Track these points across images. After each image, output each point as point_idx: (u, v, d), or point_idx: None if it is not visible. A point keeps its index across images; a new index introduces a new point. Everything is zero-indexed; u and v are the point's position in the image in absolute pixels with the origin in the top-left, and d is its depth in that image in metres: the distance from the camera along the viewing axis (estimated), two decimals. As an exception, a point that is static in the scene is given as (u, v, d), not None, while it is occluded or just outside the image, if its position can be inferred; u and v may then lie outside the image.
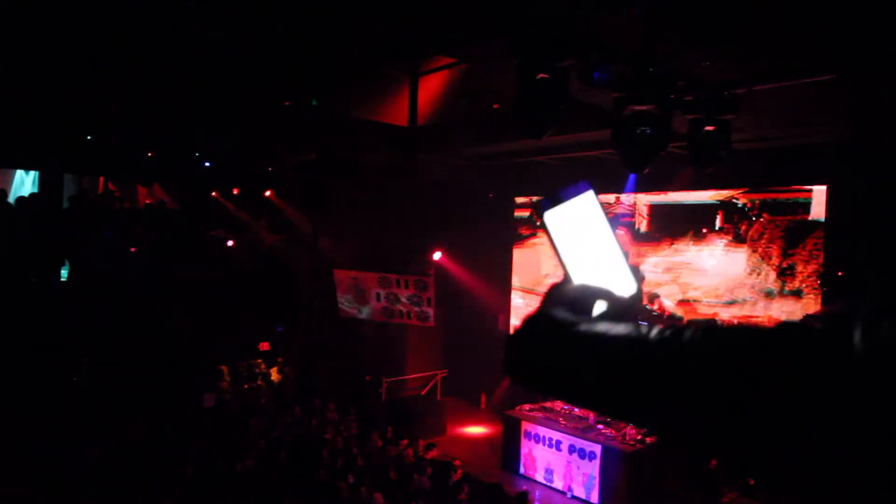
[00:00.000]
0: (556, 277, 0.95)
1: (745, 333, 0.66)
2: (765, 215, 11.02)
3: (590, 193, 0.96)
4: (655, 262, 12.48)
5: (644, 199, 12.90)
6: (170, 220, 14.45)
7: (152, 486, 9.04)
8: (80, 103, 9.73)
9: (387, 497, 9.13)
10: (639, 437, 10.16)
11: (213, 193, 15.49)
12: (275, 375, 15.16)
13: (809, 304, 10.28)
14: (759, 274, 11.02)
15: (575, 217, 0.94)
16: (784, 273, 10.71)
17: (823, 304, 10.14)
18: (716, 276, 11.61)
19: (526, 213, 15.34)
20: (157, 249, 13.62)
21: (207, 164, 14.72)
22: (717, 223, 11.68)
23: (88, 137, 12.00)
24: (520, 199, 15.41)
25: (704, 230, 11.88)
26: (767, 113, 7.44)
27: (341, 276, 14.68)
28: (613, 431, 10.51)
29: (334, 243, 15.14)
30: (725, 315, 11.37)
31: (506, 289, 15.68)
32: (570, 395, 0.81)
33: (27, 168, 14.93)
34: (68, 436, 10.36)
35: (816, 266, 10.34)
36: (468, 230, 15.19)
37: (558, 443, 11.00)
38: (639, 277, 0.97)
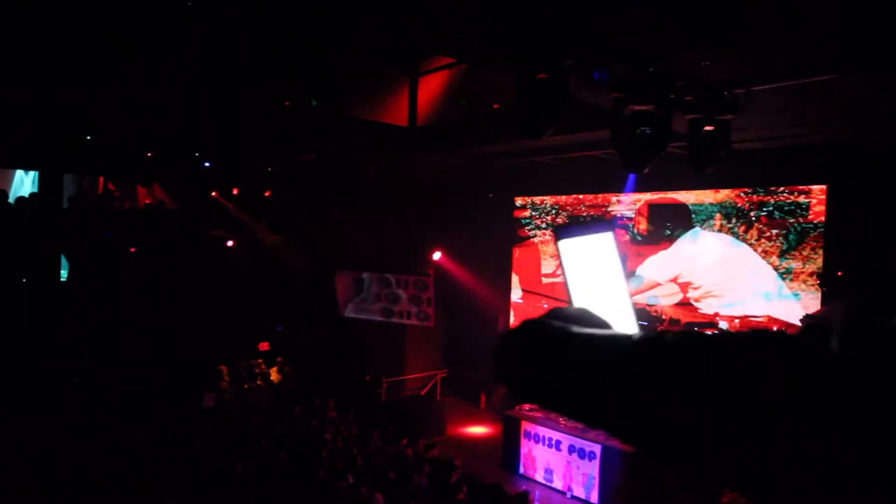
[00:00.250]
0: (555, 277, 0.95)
1: (723, 339, 0.66)
2: (763, 218, 11.02)
3: (609, 234, 0.97)
4: (655, 263, 12.48)
5: (644, 199, 12.89)
6: (170, 220, 14.46)
7: (152, 486, 9.04)
8: (80, 103, 9.73)
9: (387, 497, 9.13)
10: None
11: (213, 193, 15.49)
12: (275, 375, 15.16)
13: (809, 305, 10.28)
14: (758, 274, 11.02)
15: (589, 252, 0.95)
16: (784, 273, 10.71)
17: (823, 304, 10.15)
18: (715, 277, 11.60)
19: (526, 214, 15.33)
20: (157, 249, 13.62)
21: (207, 164, 14.72)
22: (717, 223, 11.68)
23: (88, 137, 12.00)
24: (519, 200, 15.41)
25: (704, 230, 11.88)
26: (767, 113, 7.44)
27: (341, 276, 14.69)
28: (613, 431, 10.50)
29: (334, 243, 15.14)
30: (725, 315, 11.37)
31: (506, 289, 15.68)
32: (558, 405, 0.81)
33: (27, 168, 14.93)
34: (68, 436, 10.36)
35: (816, 266, 10.34)
36: (468, 230, 15.20)
37: (558, 443, 11.00)
38: (643, 288, 0.98)
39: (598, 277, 0.96)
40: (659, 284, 12.37)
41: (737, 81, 6.12)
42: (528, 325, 0.86)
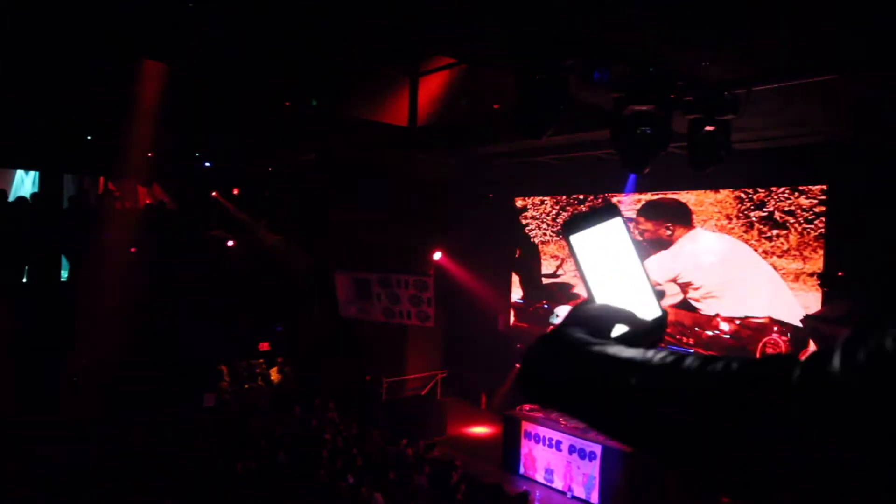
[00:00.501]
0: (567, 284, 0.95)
1: (738, 367, 0.67)
2: (763, 218, 11.02)
3: (618, 219, 0.96)
4: (655, 263, 12.47)
5: (644, 199, 12.89)
6: (169, 220, 14.45)
7: (152, 486, 9.04)
8: (80, 103, 9.73)
9: (387, 497, 9.13)
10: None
11: (213, 193, 15.49)
12: (275, 375, 15.16)
13: (809, 305, 10.28)
14: (758, 274, 11.02)
15: (601, 240, 0.95)
16: (784, 273, 10.70)
17: (824, 304, 10.15)
18: (715, 277, 11.60)
19: (526, 213, 15.33)
20: (158, 249, 13.62)
21: (207, 164, 14.72)
22: (717, 223, 11.67)
23: (88, 137, 12.01)
24: (519, 200, 15.41)
25: (704, 230, 11.87)
26: (767, 113, 7.44)
27: (342, 276, 14.69)
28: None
29: (334, 243, 15.14)
30: (725, 316, 11.37)
31: (506, 289, 15.68)
32: (581, 416, 0.83)
33: (27, 168, 14.93)
34: (68, 436, 10.36)
35: (816, 266, 10.34)
36: (468, 230, 15.20)
37: (558, 443, 11.00)
38: (663, 303, 0.97)
39: (614, 266, 0.95)
40: (659, 285, 12.35)
41: (737, 81, 6.12)
42: (550, 344, 0.86)
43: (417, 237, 14.56)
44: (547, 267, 14.68)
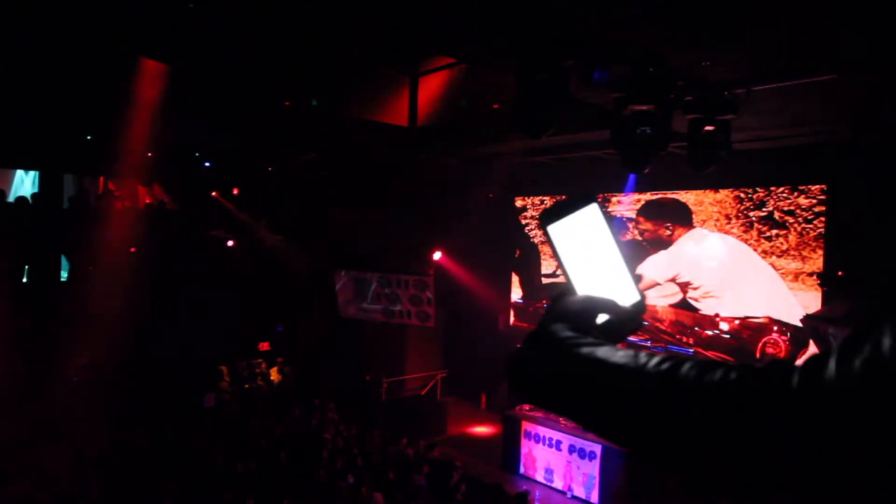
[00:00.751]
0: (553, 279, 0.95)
1: (737, 377, 0.67)
2: (762, 218, 11.02)
3: (594, 205, 0.96)
4: (655, 262, 12.48)
5: (644, 199, 12.89)
6: (170, 220, 14.45)
7: (152, 486, 9.04)
8: (80, 103, 9.73)
9: (387, 497, 9.13)
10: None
11: (214, 193, 15.49)
12: (275, 375, 15.16)
13: (809, 305, 10.28)
14: (758, 274, 11.02)
15: (579, 228, 0.94)
16: (783, 273, 10.70)
17: (824, 304, 10.15)
18: (715, 277, 11.60)
19: (525, 213, 15.33)
20: (158, 249, 13.62)
21: (207, 164, 14.71)
22: (717, 223, 11.68)
23: (88, 137, 12.00)
24: (519, 200, 15.41)
25: (704, 230, 11.88)
26: (767, 113, 7.44)
27: (342, 276, 14.69)
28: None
29: (334, 243, 15.14)
30: (725, 316, 11.37)
31: (506, 289, 15.68)
32: (571, 416, 0.83)
33: (27, 168, 14.93)
34: (69, 436, 10.36)
35: (816, 266, 10.34)
36: (468, 230, 15.19)
37: (558, 442, 11.01)
38: (641, 287, 0.97)
39: (593, 253, 0.95)
40: (658, 284, 12.37)
41: (737, 81, 6.12)
42: (538, 344, 0.86)
43: (417, 237, 14.56)
44: (547, 267, 14.68)
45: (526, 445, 11.58)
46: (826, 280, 10.09)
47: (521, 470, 11.60)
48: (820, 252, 10.32)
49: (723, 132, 6.41)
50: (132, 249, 13.44)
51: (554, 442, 11.08)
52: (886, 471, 0.55)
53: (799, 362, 0.64)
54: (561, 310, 0.89)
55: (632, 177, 11.99)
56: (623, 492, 10.05)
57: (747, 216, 11.22)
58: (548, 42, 5.08)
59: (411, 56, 11.20)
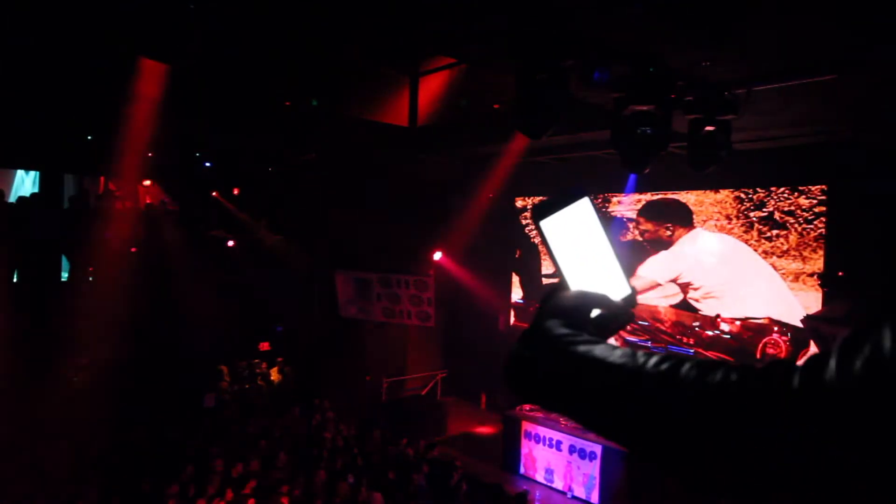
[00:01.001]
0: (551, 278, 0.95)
1: (738, 378, 0.66)
2: (763, 218, 11.02)
3: (585, 199, 0.96)
4: (655, 263, 12.48)
5: (644, 200, 12.89)
6: (170, 220, 14.44)
7: (152, 486, 9.04)
8: (80, 103, 9.73)
9: (386, 497, 9.13)
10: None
11: (214, 193, 15.49)
12: (275, 375, 15.16)
13: (810, 305, 10.28)
14: (759, 275, 11.01)
15: (570, 223, 0.94)
16: (784, 273, 10.70)
17: (824, 304, 10.15)
18: (716, 278, 11.60)
19: (526, 213, 15.32)
20: (158, 249, 13.62)
21: (207, 164, 14.71)
22: (717, 223, 11.67)
23: (88, 137, 12.00)
24: (520, 200, 15.41)
25: (704, 230, 11.87)
26: (767, 113, 7.44)
27: (342, 276, 14.69)
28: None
29: (334, 243, 15.14)
30: (726, 317, 11.37)
31: (506, 289, 15.68)
32: (571, 415, 0.82)
33: (27, 168, 14.93)
34: (69, 436, 10.36)
35: (816, 266, 10.34)
36: (468, 230, 15.19)
37: (558, 443, 11.01)
38: (632, 281, 0.98)
39: (584, 248, 0.95)
40: (659, 285, 12.37)
41: (737, 81, 6.12)
42: (534, 343, 0.85)
43: (417, 237, 14.55)
44: (547, 267, 14.67)
45: (526, 445, 11.58)
46: (826, 280, 10.09)
47: (522, 470, 11.60)
48: (820, 252, 10.32)
49: (723, 132, 6.41)
50: (132, 249, 13.44)
51: (554, 442, 11.07)
52: (886, 471, 0.55)
53: (799, 363, 0.64)
54: (555, 306, 0.89)
55: (632, 177, 11.98)
56: (623, 492, 10.05)
57: (748, 216, 11.22)
58: (548, 42, 5.08)
59: (411, 56, 11.20)
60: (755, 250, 11.08)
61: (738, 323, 11.20)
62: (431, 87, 11.61)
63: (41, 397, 10.91)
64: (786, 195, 10.76)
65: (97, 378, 12.03)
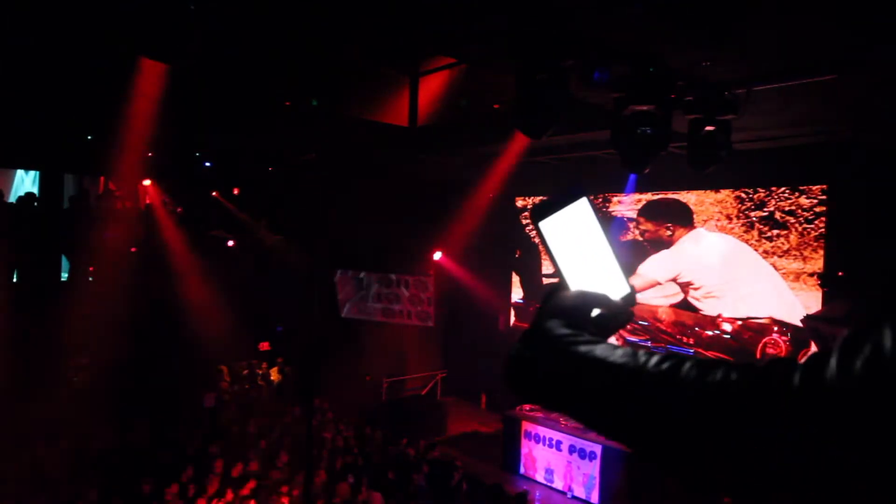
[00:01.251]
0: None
1: (738, 377, 0.66)
2: (763, 218, 11.02)
3: (583, 199, 0.96)
4: (655, 262, 12.48)
5: (644, 199, 12.89)
6: (170, 220, 14.44)
7: (152, 486, 9.04)
8: (80, 103, 9.73)
9: (386, 497, 9.13)
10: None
11: (214, 193, 15.49)
12: (275, 375, 15.15)
13: (810, 305, 10.28)
14: (759, 274, 11.01)
15: (569, 223, 0.94)
16: (784, 273, 10.70)
17: (824, 304, 10.14)
18: (716, 277, 11.60)
19: (526, 213, 15.32)
20: (158, 249, 13.62)
21: (207, 164, 14.71)
22: (718, 223, 11.67)
23: (88, 137, 12.00)
24: (520, 200, 15.41)
25: (704, 230, 11.87)
26: (767, 113, 7.44)
27: (342, 276, 14.68)
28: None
29: (334, 243, 15.14)
30: (728, 317, 11.36)
31: (506, 289, 15.68)
32: (572, 414, 0.82)
33: (27, 168, 14.93)
34: (69, 436, 10.36)
35: (816, 266, 10.34)
36: (468, 230, 15.19)
37: (558, 443, 11.00)
38: (631, 280, 0.98)
39: (583, 247, 0.95)
40: (659, 284, 12.37)
41: (737, 81, 6.12)
42: (535, 343, 0.85)
43: (417, 237, 14.55)
44: (547, 267, 14.67)
45: (526, 445, 11.58)
46: (826, 280, 10.09)
47: (522, 470, 11.60)
48: (821, 252, 10.32)
49: (723, 132, 6.41)
50: (132, 249, 13.44)
51: (554, 442, 11.07)
52: (887, 471, 0.55)
53: (799, 361, 0.64)
54: (555, 306, 0.88)
55: (632, 177, 11.98)
56: (623, 492, 10.04)
57: (748, 216, 11.22)
58: (548, 42, 5.07)
59: (411, 56, 11.20)
60: (756, 250, 11.08)
61: (739, 323, 11.20)
62: (431, 87, 11.61)
63: (41, 397, 10.91)
64: (786, 195, 10.76)
65: (97, 378, 12.03)
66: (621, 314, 0.95)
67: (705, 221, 11.86)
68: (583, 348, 0.80)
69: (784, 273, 10.70)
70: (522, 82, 5.31)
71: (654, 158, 6.15)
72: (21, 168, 15.30)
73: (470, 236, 15.20)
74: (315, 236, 15.34)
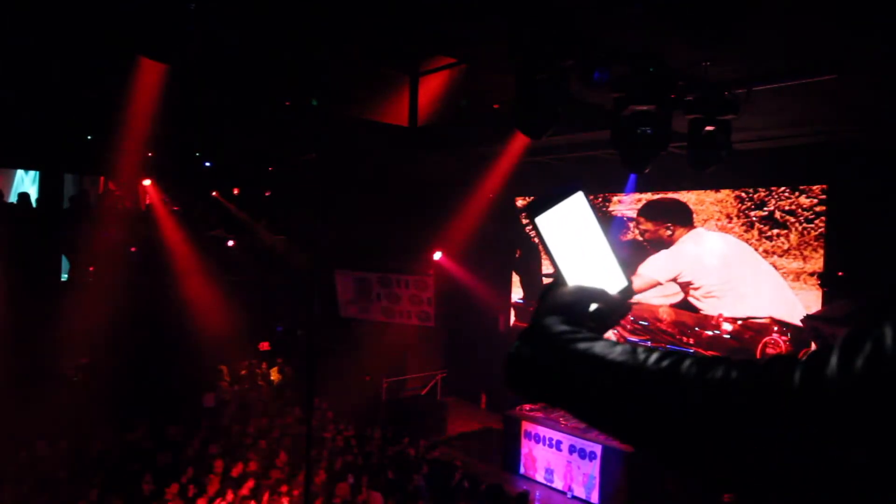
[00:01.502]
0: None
1: (738, 375, 0.66)
2: (763, 218, 11.02)
3: (580, 193, 0.96)
4: (656, 262, 12.47)
5: (644, 199, 12.89)
6: (170, 220, 14.44)
7: (152, 486, 9.04)
8: (80, 103, 9.73)
9: (386, 497, 9.13)
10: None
11: (214, 193, 15.49)
12: (275, 375, 15.15)
13: (810, 304, 10.28)
14: (759, 274, 11.01)
15: (566, 218, 0.94)
16: (784, 273, 10.70)
17: (824, 304, 10.14)
18: (716, 277, 11.60)
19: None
20: (158, 249, 13.62)
21: (207, 164, 14.71)
22: (718, 223, 11.67)
23: (88, 137, 12.00)
24: (520, 200, 15.41)
25: (704, 230, 11.87)
26: (768, 113, 7.44)
27: (342, 276, 14.68)
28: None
29: (334, 243, 15.14)
30: (728, 316, 11.36)
31: (506, 289, 15.67)
32: (572, 412, 0.82)
33: (27, 168, 14.94)
34: (69, 436, 10.36)
35: (816, 266, 10.34)
36: (468, 230, 15.18)
37: (558, 443, 11.00)
38: (628, 272, 0.98)
39: (580, 242, 0.95)
40: (659, 283, 12.37)
41: (737, 81, 6.12)
42: (534, 341, 0.85)
43: (417, 237, 14.55)
44: (547, 267, 14.66)
45: (526, 445, 11.58)
46: (826, 280, 10.09)
47: (522, 470, 11.60)
48: (821, 252, 10.32)
49: (723, 132, 6.40)
50: (132, 249, 13.44)
51: (554, 442, 11.07)
52: (888, 471, 0.55)
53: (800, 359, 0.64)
54: (553, 302, 0.88)
55: (632, 177, 11.98)
56: (623, 492, 10.04)
57: (748, 216, 11.22)
58: (548, 42, 5.07)
59: (411, 56, 11.20)
60: (756, 249, 11.08)
61: (739, 323, 11.20)
62: (431, 87, 11.60)
63: (41, 397, 10.91)
64: (786, 195, 10.76)
65: (97, 378, 12.03)
66: (619, 308, 0.95)
67: (705, 221, 11.86)
68: (582, 346, 0.80)
69: (784, 273, 10.69)
70: (522, 82, 5.31)
71: (654, 158, 6.15)
72: (21, 168, 15.31)
73: (470, 236, 15.20)
74: (315, 236, 15.35)
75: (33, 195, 13.50)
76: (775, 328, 10.64)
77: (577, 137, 10.12)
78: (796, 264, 10.58)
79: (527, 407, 11.93)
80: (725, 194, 11.53)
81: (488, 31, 5.64)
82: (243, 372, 14.75)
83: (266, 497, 9.11)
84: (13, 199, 13.40)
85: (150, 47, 5.01)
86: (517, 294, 15.57)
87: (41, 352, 11.52)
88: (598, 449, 10.37)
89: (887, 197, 8.93)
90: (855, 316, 8.42)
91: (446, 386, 15.89)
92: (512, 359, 0.86)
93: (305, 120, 10.76)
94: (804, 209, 10.54)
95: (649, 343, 12.34)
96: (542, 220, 0.93)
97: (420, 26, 6.15)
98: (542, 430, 11.29)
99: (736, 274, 11.32)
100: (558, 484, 10.96)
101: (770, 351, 10.67)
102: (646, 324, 12.49)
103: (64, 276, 13.36)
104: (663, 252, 12.43)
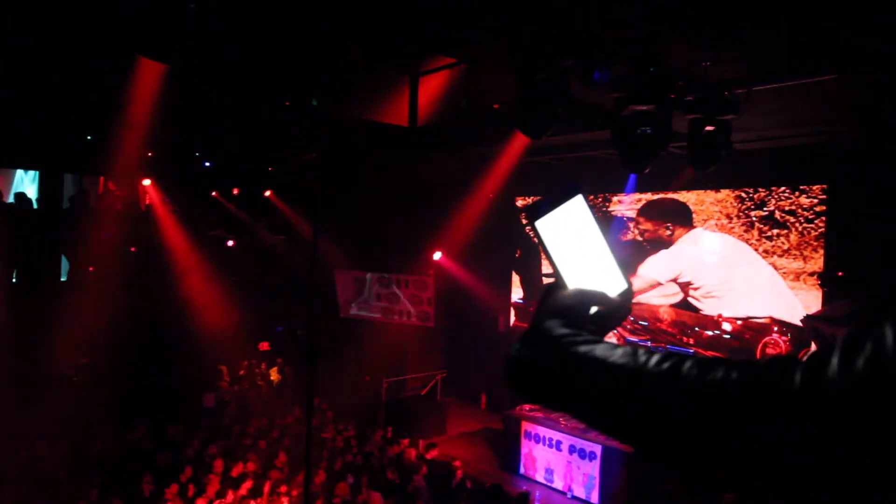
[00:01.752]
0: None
1: (739, 376, 0.66)
2: (763, 218, 11.02)
3: (579, 196, 0.96)
4: (656, 262, 12.47)
5: (644, 199, 12.89)
6: (169, 220, 14.44)
7: (152, 486, 9.04)
8: (80, 103, 9.73)
9: (386, 497, 9.13)
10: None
11: (214, 193, 15.49)
12: (275, 375, 15.15)
13: (810, 304, 10.28)
14: (759, 274, 11.01)
15: (565, 221, 0.94)
16: (784, 273, 10.70)
17: (824, 304, 10.14)
18: (716, 277, 11.60)
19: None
20: (157, 249, 13.62)
21: (207, 164, 14.72)
22: (718, 223, 11.67)
23: (88, 137, 12.00)
24: (520, 200, 15.41)
25: (705, 230, 11.87)
26: (767, 113, 7.44)
27: (342, 276, 14.68)
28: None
29: (334, 243, 15.14)
30: (728, 316, 11.36)
31: (506, 289, 15.67)
32: (573, 414, 0.82)
33: (27, 168, 14.94)
34: (69, 436, 10.35)
35: (816, 266, 10.34)
36: (468, 230, 15.18)
37: (558, 443, 11.00)
38: (628, 275, 0.98)
39: (580, 244, 0.95)
40: (659, 284, 12.37)
41: (737, 81, 6.12)
42: (534, 344, 0.85)
43: (417, 237, 14.55)
44: (547, 267, 14.65)
45: (526, 445, 11.57)
46: (826, 280, 10.09)
47: (522, 470, 11.60)
48: (821, 252, 10.32)
49: (723, 132, 6.40)
50: (132, 249, 13.44)
51: (554, 442, 11.07)
52: (888, 471, 0.55)
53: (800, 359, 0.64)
54: (553, 305, 0.88)
55: (632, 177, 11.98)
56: (623, 492, 10.04)
57: (748, 216, 11.22)
58: (548, 42, 5.08)
59: (411, 56, 11.19)
60: (756, 250, 11.08)
61: (739, 323, 11.20)
62: (431, 87, 11.60)
63: (41, 397, 10.91)
64: (786, 195, 10.76)
65: (97, 378, 12.03)
66: (619, 311, 0.95)
67: (705, 221, 11.86)
68: (582, 348, 0.80)
69: (784, 273, 10.69)
70: (522, 82, 5.31)
71: (654, 158, 6.15)
72: (21, 168, 15.30)
73: (470, 236, 15.19)
74: (315, 236, 15.34)
75: (33, 195, 13.51)
76: (775, 328, 10.64)
77: (577, 137, 10.11)
78: (796, 264, 10.57)
79: (527, 407, 11.92)
80: (725, 194, 11.52)
81: (488, 31, 5.64)
82: (243, 372, 14.75)
83: (266, 497, 9.11)
84: (12, 199, 13.40)
85: (150, 47, 5.01)
86: (517, 294, 15.57)
87: (41, 352, 11.52)
88: (598, 449, 10.37)
89: (887, 197, 8.92)
90: (855, 316, 8.41)
91: (446, 386, 15.88)
92: (512, 361, 0.86)
93: (305, 120, 10.76)
94: (804, 209, 10.54)
95: (649, 343, 12.34)
96: (541, 224, 0.93)
97: (420, 26, 6.15)
98: (542, 430, 11.28)
99: (736, 274, 11.32)
100: (558, 484, 10.96)
101: (770, 351, 10.67)
102: (646, 324, 12.49)
103: (63, 277, 13.36)
104: (663, 252, 12.42)
